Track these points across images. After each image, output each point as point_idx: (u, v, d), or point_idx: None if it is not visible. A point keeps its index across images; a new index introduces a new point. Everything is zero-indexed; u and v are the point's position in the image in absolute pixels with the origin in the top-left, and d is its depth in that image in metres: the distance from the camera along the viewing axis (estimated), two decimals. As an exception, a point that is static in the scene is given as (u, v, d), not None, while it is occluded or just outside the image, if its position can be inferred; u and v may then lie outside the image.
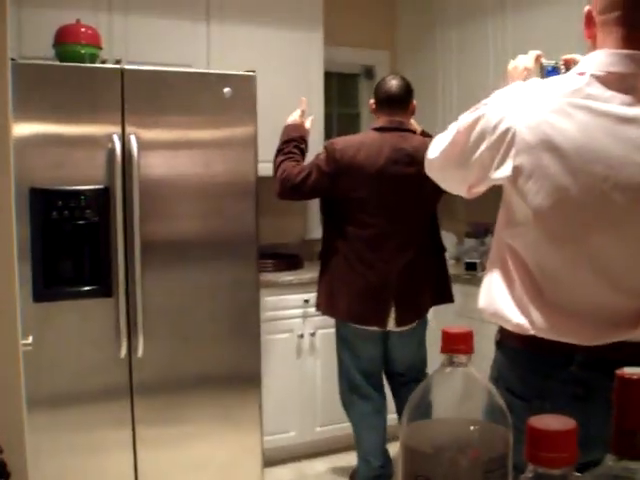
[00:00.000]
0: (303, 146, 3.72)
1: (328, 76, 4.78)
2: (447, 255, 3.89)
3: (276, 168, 3.62)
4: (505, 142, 1.71)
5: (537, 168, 1.68)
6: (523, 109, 1.71)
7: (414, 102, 3.67)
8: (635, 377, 0.77)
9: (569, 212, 1.68)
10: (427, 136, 3.51)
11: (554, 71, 2.10)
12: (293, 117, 3.78)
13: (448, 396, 1.02)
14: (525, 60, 2.06)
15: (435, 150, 1.94)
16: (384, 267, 3.51)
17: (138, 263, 3.38)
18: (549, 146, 1.66)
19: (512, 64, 2.08)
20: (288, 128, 3.74)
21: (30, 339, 2.50)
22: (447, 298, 3.77)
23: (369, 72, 5.27)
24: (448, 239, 4.56)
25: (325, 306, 3.65)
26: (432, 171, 2.01)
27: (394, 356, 3.77)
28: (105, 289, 3.37)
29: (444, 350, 1.00)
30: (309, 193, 3.64)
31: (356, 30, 5.10)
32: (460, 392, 1.02)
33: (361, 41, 5.14)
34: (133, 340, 3.42)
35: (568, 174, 1.66)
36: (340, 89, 5.31)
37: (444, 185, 2.03)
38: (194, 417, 3.59)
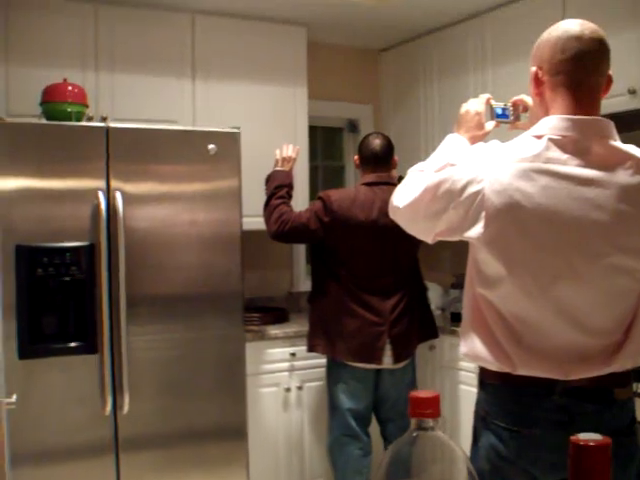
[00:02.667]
0: (292, 192, 3.95)
1: (313, 130, 4.84)
2: (433, 306, 4.05)
3: (272, 209, 3.81)
4: (474, 205, 1.83)
5: (505, 230, 1.82)
6: (489, 174, 1.82)
7: (395, 157, 3.95)
8: (591, 444, 0.80)
9: (536, 268, 1.84)
10: None
11: (503, 113, 2.27)
12: (285, 154, 4.01)
13: (417, 460, 1.04)
14: (476, 104, 2.22)
15: (401, 199, 2.05)
16: (378, 306, 3.72)
17: (123, 319, 3.39)
18: (516, 209, 1.79)
19: (464, 108, 2.22)
20: (279, 174, 3.97)
21: (14, 398, 2.50)
22: (432, 334, 4.02)
23: (353, 125, 5.34)
24: (434, 290, 4.59)
25: (323, 347, 3.79)
26: (397, 217, 2.12)
27: (385, 397, 3.86)
28: (90, 345, 3.37)
29: (412, 414, 1.02)
30: (304, 238, 3.89)
31: (340, 84, 5.18)
32: (429, 456, 1.04)
33: (345, 95, 5.21)
34: (118, 396, 3.41)
35: (534, 235, 1.81)
36: (325, 142, 5.37)
37: (409, 230, 2.13)
38: (180, 473, 3.57)
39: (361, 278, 3.73)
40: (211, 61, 4.33)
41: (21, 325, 3.25)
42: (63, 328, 3.36)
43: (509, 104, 2.28)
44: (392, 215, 2.14)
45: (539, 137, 1.85)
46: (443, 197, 1.90)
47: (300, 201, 4.33)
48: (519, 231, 1.81)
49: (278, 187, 3.88)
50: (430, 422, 1.02)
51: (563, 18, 3.60)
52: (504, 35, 4.17)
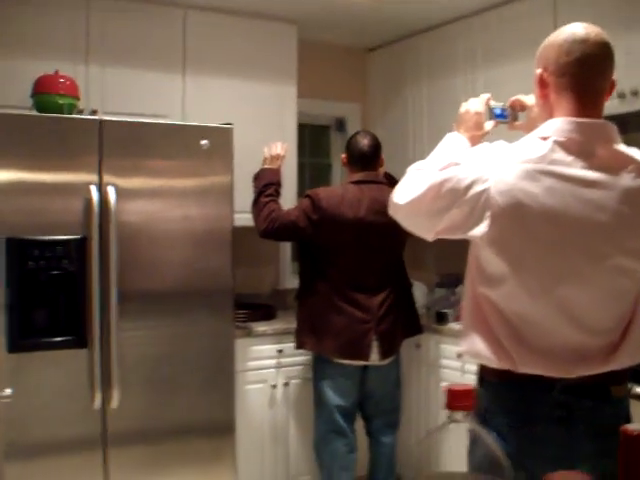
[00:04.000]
0: (280, 190, 3.96)
1: (300, 127, 4.83)
2: (418, 305, 4.08)
3: (261, 207, 3.83)
4: (479, 204, 1.85)
5: (510, 230, 1.85)
6: (495, 173, 1.85)
7: (382, 156, 3.99)
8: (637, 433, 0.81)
9: (540, 268, 1.88)
10: (390, 178, 3.87)
11: (502, 113, 2.30)
12: (273, 152, 4.04)
13: (451, 450, 1.05)
14: (476, 104, 2.24)
15: (402, 196, 2.04)
16: (365, 303, 3.75)
17: (114, 313, 3.38)
18: (520, 210, 1.82)
19: (464, 107, 2.25)
20: (267, 172, 3.98)
21: (9, 391, 2.49)
22: (417, 330, 4.07)
23: (341, 124, 5.36)
24: (419, 289, 4.61)
25: (311, 344, 3.84)
26: (397, 214, 2.10)
27: (370, 393, 3.91)
28: (80, 339, 3.35)
29: (448, 407, 1.04)
30: (292, 235, 3.92)
31: (328, 82, 5.18)
32: (463, 447, 1.05)
33: (333, 93, 5.22)
34: (107, 391, 3.39)
35: (538, 235, 1.85)
36: (312, 140, 5.38)
37: (409, 227, 2.12)
38: (169, 468, 3.56)
39: (348, 275, 3.76)
40: (202, 57, 4.32)
41: (11, 318, 3.23)
42: (53, 322, 3.33)
43: (507, 104, 2.31)
44: (392, 212, 2.12)
45: (544, 139, 1.88)
46: (447, 195, 1.91)
47: (288, 199, 4.32)
48: (523, 231, 1.84)
49: (267, 185, 3.90)
50: (465, 414, 1.04)
51: (554, 23, 3.66)
52: (495, 37, 4.20)
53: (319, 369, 3.88)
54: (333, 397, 3.82)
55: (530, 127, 2.06)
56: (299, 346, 3.89)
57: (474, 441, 1.03)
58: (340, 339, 3.73)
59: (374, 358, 3.76)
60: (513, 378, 1.92)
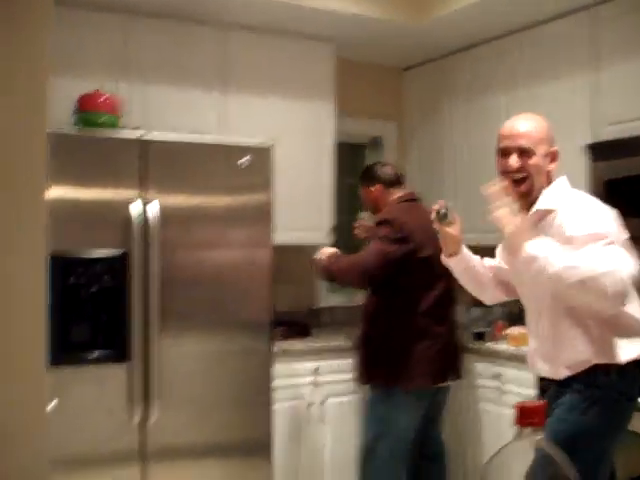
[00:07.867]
0: None
1: (336, 146, 4.83)
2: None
3: (343, 267, 3.72)
4: None
5: None
6: None
7: None
8: None
9: None
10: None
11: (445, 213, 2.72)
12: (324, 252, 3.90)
13: (521, 466, 1.04)
14: (512, 219, 2.48)
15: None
16: (453, 321, 3.83)
17: (155, 329, 3.41)
18: None
19: (508, 229, 2.47)
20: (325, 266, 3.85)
21: (54, 402, 2.49)
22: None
23: (376, 142, 5.36)
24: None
25: (396, 379, 3.67)
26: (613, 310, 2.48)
27: (435, 415, 3.91)
28: (121, 354, 3.39)
29: (519, 423, 1.03)
30: (388, 266, 3.66)
31: (364, 101, 5.20)
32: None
33: (369, 112, 5.24)
34: (147, 406, 3.42)
35: None
36: (347, 159, 5.37)
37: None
38: (206, 484, 3.58)
39: (437, 293, 3.71)
40: (241, 74, 4.35)
41: (52, 333, 3.23)
42: (94, 337, 3.37)
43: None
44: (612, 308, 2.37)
45: None
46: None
47: (324, 216, 4.33)
48: None
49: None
50: (535, 430, 1.03)
51: (593, 40, 3.64)
52: (533, 56, 4.18)
53: (395, 399, 3.71)
54: (407, 428, 3.72)
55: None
56: (368, 381, 3.77)
57: (543, 459, 1.02)
58: (435, 365, 3.69)
59: (450, 379, 3.82)
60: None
